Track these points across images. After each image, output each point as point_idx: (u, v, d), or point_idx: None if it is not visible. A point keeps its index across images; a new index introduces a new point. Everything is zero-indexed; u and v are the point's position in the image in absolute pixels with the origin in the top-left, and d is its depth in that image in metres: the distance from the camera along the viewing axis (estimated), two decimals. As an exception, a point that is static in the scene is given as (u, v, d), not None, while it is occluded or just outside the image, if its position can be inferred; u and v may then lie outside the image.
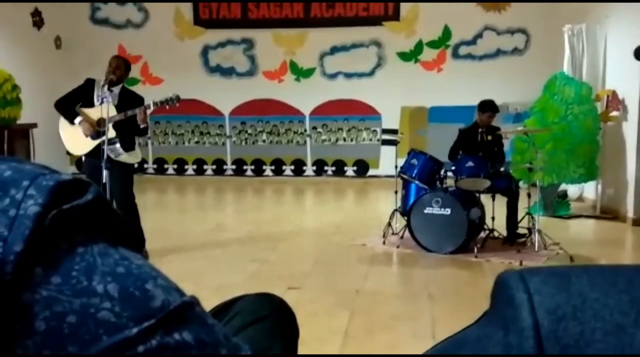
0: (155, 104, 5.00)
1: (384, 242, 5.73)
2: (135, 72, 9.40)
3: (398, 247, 5.58)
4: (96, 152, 4.84)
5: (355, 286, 4.44)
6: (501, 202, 5.67)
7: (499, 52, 10.49)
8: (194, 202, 9.56)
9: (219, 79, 11.12)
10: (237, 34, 11.00)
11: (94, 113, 4.92)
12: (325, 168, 11.04)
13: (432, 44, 10.63)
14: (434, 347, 0.50)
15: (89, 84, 5.07)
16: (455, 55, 10.61)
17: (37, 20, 10.17)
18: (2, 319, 0.40)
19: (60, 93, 5.19)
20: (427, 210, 5.39)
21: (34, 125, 8.63)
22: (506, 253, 5.41)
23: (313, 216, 8.20)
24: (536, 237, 5.43)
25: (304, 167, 11.10)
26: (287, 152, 11.09)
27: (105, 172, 4.64)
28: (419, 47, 10.65)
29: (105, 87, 4.89)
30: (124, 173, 5.03)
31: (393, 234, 5.87)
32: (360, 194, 9.70)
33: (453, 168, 5.60)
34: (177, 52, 10.94)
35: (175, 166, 11.32)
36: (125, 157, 5.03)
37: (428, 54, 10.65)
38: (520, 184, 6.14)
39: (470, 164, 5.45)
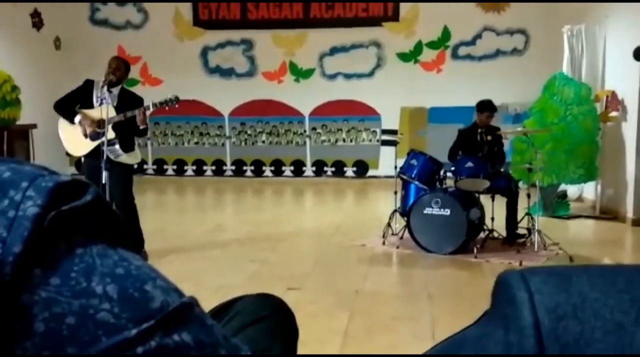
0: (154, 105, 5.00)
1: (383, 243, 5.73)
2: (134, 73, 9.41)
3: (398, 247, 5.58)
4: (96, 153, 4.84)
5: (355, 286, 4.44)
6: (501, 202, 5.68)
7: (498, 53, 10.50)
8: (194, 202, 9.56)
9: (219, 79, 11.12)
10: (236, 34, 11.00)
11: (94, 114, 4.92)
12: (325, 169, 11.04)
13: (432, 45, 10.64)
14: (434, 348, 0.50)
15: (88, 85, 5.07)
16: (455, 55, 10.62)
17: (37, 21, 10.17)
18: (1, 321, 0.40)
19: (60, 94, 5.19)
20: (427, 210, 5.39)
21: (34, 126, 8.64)
22: (506, 253, 5.41)
23: (313, 216, 8.20)
24: (536, 237, 5.44)
25: (304, 168, 11.10)
26: (286, 153, 11.10)
27: (104, 173, 4.64)
28: (418, 48, 10.66)
29: (105, 88, 4.88)
30: (124, 174, 5.03)
31: (393, 234, 5.87)
32: (360, 195, 9.70)
33: (452, 168, 5.61)
34: (177, 53, 10.94)
35: (174, 167, 11.32)
36: (124, 158, 5.03)
37: (427, 55, 10.66)
38: (520, 184, 6.15)
39: (469, 164, 5.45)
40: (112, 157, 4.88)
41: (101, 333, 0.41)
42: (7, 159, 0.47)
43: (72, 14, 10.83)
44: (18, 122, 8.44)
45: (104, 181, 4.61)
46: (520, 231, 5.76)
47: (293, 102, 10.94)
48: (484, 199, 5.71)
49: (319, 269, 5.03)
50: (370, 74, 10.83)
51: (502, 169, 6.10)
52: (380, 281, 4.72)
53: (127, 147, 5.04)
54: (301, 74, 10.96)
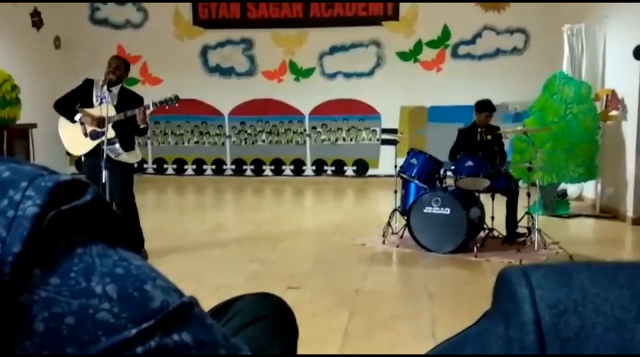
0: (154, 104, 5.00)
1: (383, 242, 5.73)
2: (134, 72, 9.41)
3: (398, 246, 5.58)
4: (96, 152, 4.84)
5: (355, 285, 4.44)
6: (501, 201, 5.68)
7: (498, 52, 10.50)
8: (194, 202, 9.56)
9: (219, 79, 11.12)
10: (236, 34, 11.00)
11: (94, 113, 4.91)
12: (325, 168, 11.04)
13: (432, 44, 10.64)
14: (435, 348, 0.50)
15: (88, 84, 5.07)
16: (455, 55, 10.62)
17: (37, 21, 10.17)
18: (1, 321, 0.40)
19: (60, 93, 5.19)
20: (427, 209, 5.39)
21: (34, 125, 8.63)
22: (506, 252, 5.41)
23: (313, 215, 8.20)
24: (536, 236, 5.44)
25: (304, 167, 11.10)
26: (286, 152, 11.10)
27: (104, 172, 4.64)
28: (418, 47, 10.66)
29: (105, 87, 4.88)
30: (124, 173, 5.03)
31: (393, 233, 5.88)
32: (360, 194, 9.70)
33: (452, 167, 5.61)
34: (177, 52, 10.94)
35: (174, 166, 11.32)
36: (125, 157, 5.03)
37: (427, 54, 10.66)
38: (520, 183, 6.15)
39: (469, 163, 5.45)
40: (112, 156, 4.88)
41: (101, 333, 0.41)
42: (6, 158, 0.47)
43: (72, 13, 10.83)
44: (18, 122, 8.44)
45: (104, 180, 4.61)
46: (520, 230, 5.76)
47: (293, 102, 10.94)
48: (484, 198, 5.71)
49: (319, 268, 5.03)
50: (370, 73, 10.83)
51: (503, 168, 6.10)
52: (380, 280, 4.72)
53: (128, 146, 5.04)
54: (301, 73, 10.96)
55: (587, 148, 7.24)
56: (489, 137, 5.90)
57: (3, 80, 8.11)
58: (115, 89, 5.01)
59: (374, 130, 10.81)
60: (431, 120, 10.50)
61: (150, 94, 5.51)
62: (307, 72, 10.93)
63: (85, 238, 0.45)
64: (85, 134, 4.95)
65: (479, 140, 5.88)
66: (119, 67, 5.06)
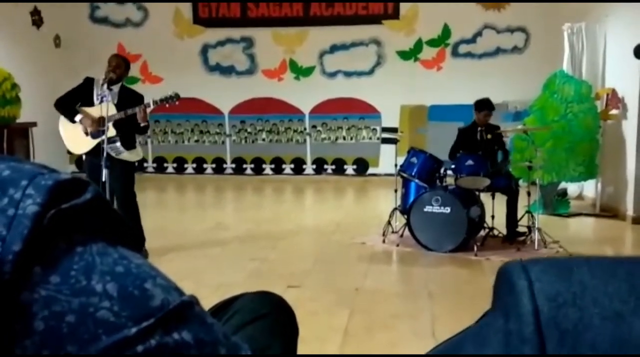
0: (155, 102, 5.00)
1: (383, 241, 5.73)
2: (134, 71, 9.41)
3: (398, 245, 5.58)
4: (97, 151, 4.83)
5: (355, 284, 4.44)
6: (501, 200, 5.68)
7: (498, 51, 10.49)
8: (194, 200, 9.57)
9: (219, 77, 11.12)
10: (236, 32, 11.00)
11: (94, 112, 4.91)
12: (325, 167, 11.04)
13: (432, 43, 10.63)
14: (436, 347, 0.50)
15: (88, 83, 5.06)
16: (455, 53, 10.61)
17: (37, 19, 10.17)
18: (1, 319, 0.40)
19: (60, 92, 5.19)
20: (427, 208, 5.39)
21: (34, 124, 8.63)
22: (506, 251, 5.41)
23: (313, 214, 8.20)
24: (536, 235, 5.44)
25: (304, 166, 11.10)
26: (286, 151, 11.09)
27: (104, 171, 4.64)
28: (418, 46, 10.65)
29: (105, 86, 4.88)
30: (125, 171, 5.03)
31: (393, 232, 5.88)
32: (360, 193, 9.70)
33: (453, 166, 5.61)
34: (177, 51, 10.94)
35: (174, 165, 11.32)
36: (126, 155, 5.03)
37: (428, 53, 10.65)
38: (520, 182, 6.15)
39: (469, 162, 5.45)
40: (113, 154, 4.89)
41: (101, 331, 0.41)
42: (6, 157, 0.47)
43: (72, 12, 10.82)
44: (18, 121, 8.43)
45: (104, 179, 4.61)
46: (521, 229, 5.76)
47: (293, 100, 10.94)
48: (484, 197, 5.71)
49: (319, 267, 5.03)
50: (371, 71, 10.82)
51: (506, 166, 6.10)
52: (380, 278, 4.72)
53: (129, 145, 5.04)
54: (301, 71, 10.95)
55: (587, 147, 7.24)
56: (489, 136, 5.90)
57: (3, 78, 8.11)
58: (116, 88, 5.01)
59: (374, 129, 10.81)
60: (431, 119, 10.49)
61: (150, 93, 5.51)
62: (308, 71, 10.93)
63: (85, 236, 0.45)
64: (86, 133, 4.95)
65: (479, 139, 5.87)
66: (119, 65, 5.06)
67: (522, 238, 5.68)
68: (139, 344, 0.42)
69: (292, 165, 11.12)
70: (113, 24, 11.17)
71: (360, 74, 10.82)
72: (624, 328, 0.39)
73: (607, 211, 7.36)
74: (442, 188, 5.55)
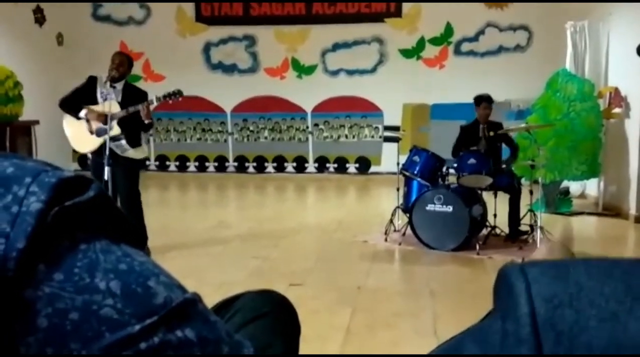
0: (158, 99, 5.00)
1: (385, 239, 5.73)
2: (137, 69, 9.40)
3: (400, 244, 5.58)
4: (102, 150, 4.82)
5: (357, 282, 4.44)
6: (503, 199, 5.67)
7: (501, 49, 10.47)
8: (196, 199, 9.57)
9: (221, 75, 11.12)
10: (238, 30, 11.00)
11: (98, 110, 4.91)
12: (327, 165, 11.04)
13: (434, 41, 10.62)
14: (437, 348, 0.51)
15: (92, 81, 5.06)
16: (458, 52, 10.60)
17: (39, 17, 10.18)
18: (5, 316, 0.40)
19: (62, 90, 5.19)
20: (429, 207, 5.39)
21: (36, 122, 8.64)
22: (508, 250, 5.41)
23: (315, 212, 8.21)
24: (538, 234, 5.43)
25: (306, 164, 11.10)
26: (289, 149, 11.09)
27: (107, 169, 4.64)
28: (421, 44, 10.64)
29: (108, 84, 4.88)
30: (130, 169, 5.03)
31: (395, 231, 5.88)
32: (362, 191, 9.70)
33: (455, 165, 5.60)
34: (179, 49, 10.94)
35: (177, 163, 11.33)
36: (132, 153, 5.03)
37: (430, 51, 10.64)
38: (523, 181, 6.14)
39: (472, 161, 5.45)
40: (118, 152, 4.89)
41: (104, 329, 0.41)
42: (10, 154, 0.47)
43: (74, 10, 10.83)
44: (20, 118, 8.44)
45: (106, 177, 4.61)
46: (523, 228, 5.75)
47: (295, 99, 10.94)
48: (487, 196, 5.71)
49: (321, 265, 5.03)
50: (373, 70, 10.82)
51: (513, 163, 6.11)
52: (382, 277, 4.72)
53: (134, 142, 5.04)
54: (303, 70, 10.95)
55: (590, 146, 7.23)
56: (491, 133, 5.90)
57: (5, 76, 8.12)
58: (119, 85, 5.00)
59: (376, 128, 10.80)
60: (434, 117, 10.48)
61: (152, 91, 5.49)
62: (310, 69, 10.93)
63: (88, 234, 0.45)
64: (91, 132, 4.94)
65: (481, 136, 5.87)
66: (122, 63, 5.05)
67: (524, 237, 5.68)
68: (142, 342, 0.42)
69: (295, 164, 11.12)
70: (115, 22, 11.18)
71: (362, 72, 10.81)
72: (619, 328, 0.39)
73: (610, 209, 7.35)
74: (445, 187, 5.55)
